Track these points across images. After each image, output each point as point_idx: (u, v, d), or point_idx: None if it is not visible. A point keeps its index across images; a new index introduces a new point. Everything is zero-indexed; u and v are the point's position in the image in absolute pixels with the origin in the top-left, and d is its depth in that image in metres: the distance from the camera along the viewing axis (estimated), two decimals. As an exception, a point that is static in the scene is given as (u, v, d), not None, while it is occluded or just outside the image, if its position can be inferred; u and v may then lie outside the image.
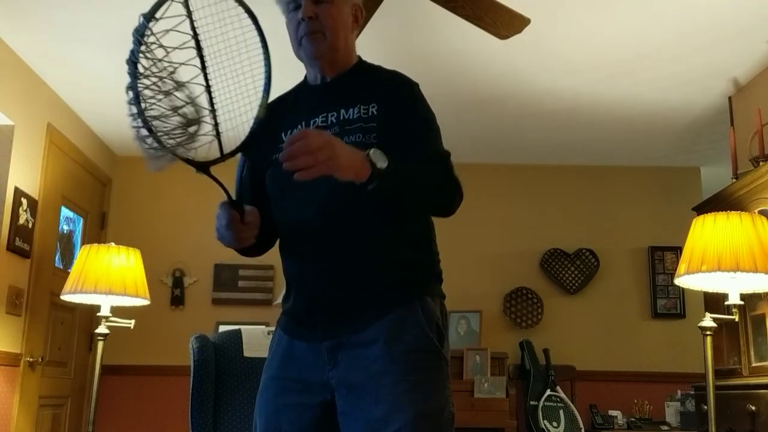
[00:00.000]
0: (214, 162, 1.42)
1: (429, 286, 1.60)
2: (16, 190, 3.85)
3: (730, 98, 4.26)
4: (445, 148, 1.64)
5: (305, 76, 1.77)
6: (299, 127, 1.64)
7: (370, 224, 1.56)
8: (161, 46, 1.19)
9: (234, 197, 1.52)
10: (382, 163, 1.40)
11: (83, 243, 4.61)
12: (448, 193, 1.57)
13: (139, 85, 1.24)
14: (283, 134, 1.65)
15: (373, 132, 1.56)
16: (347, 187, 1.43)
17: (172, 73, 1.22)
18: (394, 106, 1.60)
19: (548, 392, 4.67)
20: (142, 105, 1.26)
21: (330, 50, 1.65)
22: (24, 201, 3.92)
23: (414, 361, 1.48)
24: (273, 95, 1.56)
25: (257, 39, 1.47)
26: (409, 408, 1.43)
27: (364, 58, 1.77)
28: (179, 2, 1.25)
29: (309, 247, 1.60)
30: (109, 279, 3.43)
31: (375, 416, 1.44)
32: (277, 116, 1.66)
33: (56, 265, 4.48)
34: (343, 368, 1.51)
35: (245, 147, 1.49)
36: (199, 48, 1.30)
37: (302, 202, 1.59)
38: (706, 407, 2.98)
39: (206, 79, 1.33)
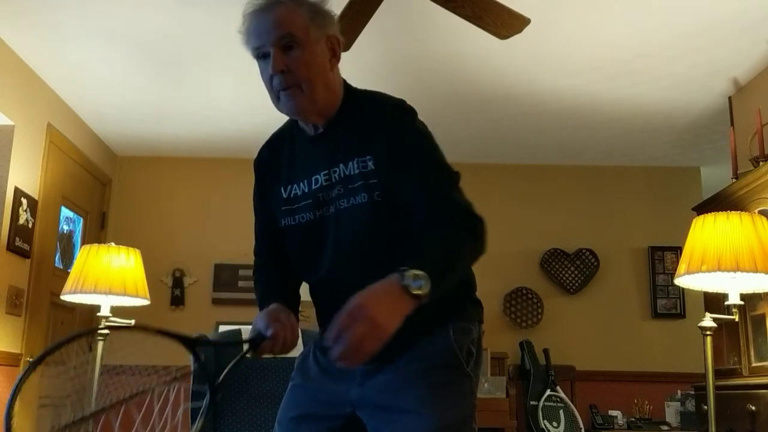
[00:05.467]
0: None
1: (462, 311, 1.60)
2: (16, 190, 3.85)
3: (730, 98, 4.26)
4: (450, 177, 1.52)
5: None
6: (301, 185, 1.58)
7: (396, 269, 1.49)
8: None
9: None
10: (419, 285, 1.31)
11: (83, 243, 4.60)
12: (478, 246, 1.48)
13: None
14: (282, 189, 1.60)
15: (376, 189, 1.49)
16: (366, 235, 1.48)
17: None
18: (387, 156, 1.49)
19: (548, 392, 4.67)
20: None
21: (311, 103, 1.51)
22: (24, 201, 3.92)
23: (436, 375, 1.50)
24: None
25: None
26: (429, 419, 1.44)
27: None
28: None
29: (336, 298, 1.49)
30: (109, 279, 3.43)
31: (406, 427, 1.45)
32: (273, 161, 1.64)
33: (56, 265, 4.48)
34: (370, 387, 1.52)
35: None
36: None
37: (324, 254, 1.56)
38: (706, 407, 2.97)
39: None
